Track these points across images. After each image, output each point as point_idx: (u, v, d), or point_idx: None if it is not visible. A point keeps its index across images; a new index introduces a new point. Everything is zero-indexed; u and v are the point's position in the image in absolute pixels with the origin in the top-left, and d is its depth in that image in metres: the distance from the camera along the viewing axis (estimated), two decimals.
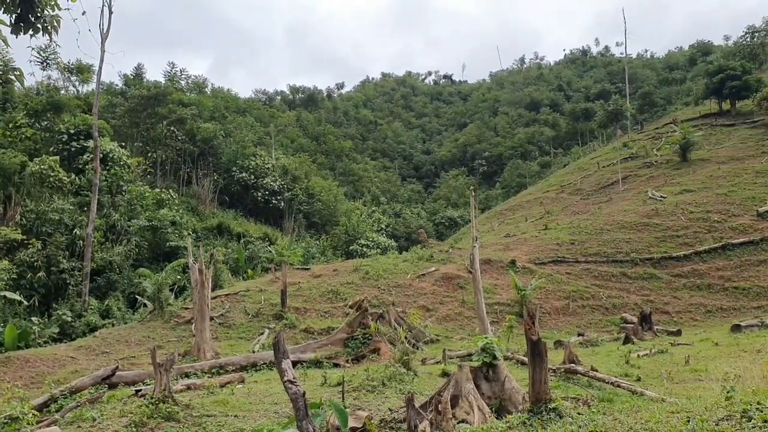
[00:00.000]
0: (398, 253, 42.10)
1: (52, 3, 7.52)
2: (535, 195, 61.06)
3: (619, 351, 20.34)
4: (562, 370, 15.75)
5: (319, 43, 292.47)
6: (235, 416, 12.13)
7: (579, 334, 25.33)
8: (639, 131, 74.56)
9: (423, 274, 32.74)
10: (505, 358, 14.53)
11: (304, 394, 7.57)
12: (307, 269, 36.16)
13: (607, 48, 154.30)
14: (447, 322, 28.72)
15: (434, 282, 32.14)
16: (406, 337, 19.52)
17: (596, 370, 15.46)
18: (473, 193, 28.35)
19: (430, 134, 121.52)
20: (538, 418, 8.16)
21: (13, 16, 7.39)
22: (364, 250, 49.59)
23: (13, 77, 8.24)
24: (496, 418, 9.51)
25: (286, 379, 7.60)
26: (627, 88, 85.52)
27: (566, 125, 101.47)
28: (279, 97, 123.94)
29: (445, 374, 15.77)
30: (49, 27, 7.43)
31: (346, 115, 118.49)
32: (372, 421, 9.83)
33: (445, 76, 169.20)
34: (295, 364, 19.56)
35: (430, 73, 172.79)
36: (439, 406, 8.28)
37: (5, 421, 11.80)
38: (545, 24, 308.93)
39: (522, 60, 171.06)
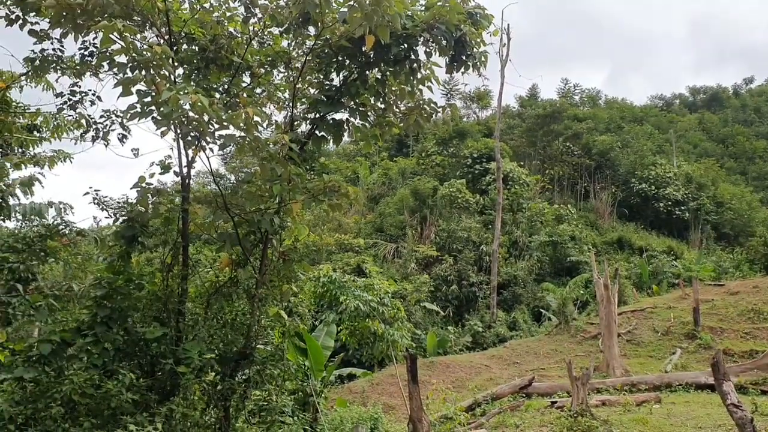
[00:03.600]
0: None
1: (479, 40, 8.25)
2: None
3: None
4: None
5: (725, 34, 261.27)
6: None
7: None
8: None
9: None
10: None
11: (752, 420, 6.85)
12: (721, 285, 32.83)
13: None
14: None
15: None
16: None
17: None
18: None
19: None
20: None
21: (447, 57, 8.31)
22: None
23: (449, 112, 9.26)
24: None
25: (729, 402, 6.97)
26: None
27: None
28: (677, 101, 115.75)
29: None
30: (478, 63, 8.16)
31: (757, 111, 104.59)
32: None
33: None
34: (713, 387, 17.92)
35: None
36: None
37: (441, 420, 13.26)
38: None
39: None
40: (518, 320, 37.86)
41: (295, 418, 10.41)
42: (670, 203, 58.54)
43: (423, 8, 8.08)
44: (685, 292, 30.70)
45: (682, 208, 58.63)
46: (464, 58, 8.13)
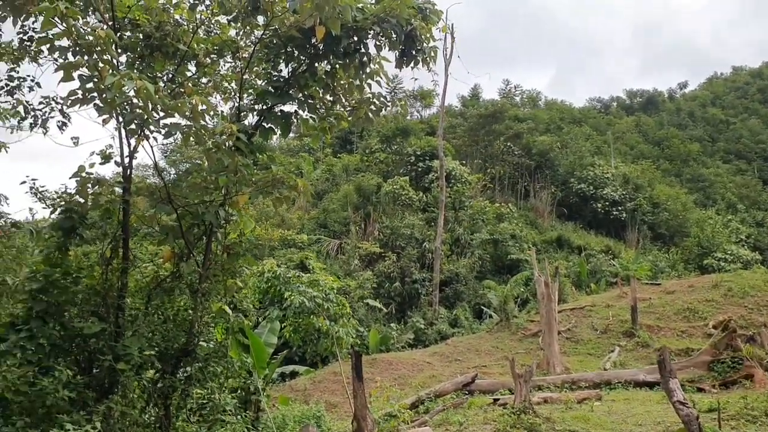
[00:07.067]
0: (766, 268, 37.14)
1: (428, 35, 8.22)
2: None
3: None
4: None
5: (668, 41, 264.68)
6: None
7: None
8: None
9: None
10: None
11: (697, 417, 7.03)
12: (658, 284, 33.84)
13: None
14: None
15: None
16: None
17: None
18: None
19: None
20: None
21: (397, 52, 8.25)
22: (722, 264, 44.69)
23: (399, 107, 9.30)
24: None
25: (675, 399, 7.14)
26: None
27: None
28: (615, 104, 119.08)
29: None
30: (427, 58, 8.14)
31: (691, 115, 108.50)
32: None
33: None
34: (651, 384, 18.44)
35: None
36: None
37: (385, 417, 13.24)
38: None
39: None
40: (460, 317, 38.23)
41: (238, 417, 10.20)
42: (607, 203, 60.13)
43: (374, 1, 8.01)
44: (623, 290, 31.52)
45: (620, 208, 60.28)
46: (414, 52, 8.09)
